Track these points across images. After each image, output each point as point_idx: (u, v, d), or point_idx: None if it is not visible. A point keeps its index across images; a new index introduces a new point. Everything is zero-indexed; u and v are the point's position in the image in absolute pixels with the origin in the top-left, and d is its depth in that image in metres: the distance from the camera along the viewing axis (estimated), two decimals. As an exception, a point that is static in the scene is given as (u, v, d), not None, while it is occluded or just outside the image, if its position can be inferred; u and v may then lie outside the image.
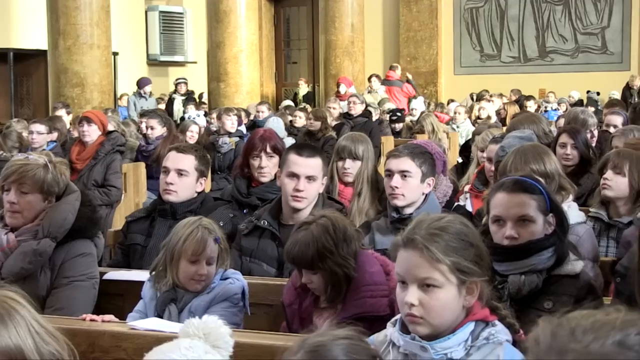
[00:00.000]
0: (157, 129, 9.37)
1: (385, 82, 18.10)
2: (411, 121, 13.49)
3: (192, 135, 10.35)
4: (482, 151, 6.30)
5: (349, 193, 5.59)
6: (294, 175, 4.43)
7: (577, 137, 6.05)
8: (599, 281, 4.14)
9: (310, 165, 4.45)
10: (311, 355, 2.11)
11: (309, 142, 9.42)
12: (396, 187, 4.40)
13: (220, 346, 2.37)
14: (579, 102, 18.26)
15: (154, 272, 3.79)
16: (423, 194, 4.47)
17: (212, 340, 2.36)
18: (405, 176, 4.41)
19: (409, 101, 17.44)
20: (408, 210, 4.41)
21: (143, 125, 10.20)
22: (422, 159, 4.47)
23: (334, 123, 12.17)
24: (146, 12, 21.82)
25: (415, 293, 2.52)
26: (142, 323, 3.35)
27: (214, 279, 3.74)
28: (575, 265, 3.27)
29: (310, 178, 4.43)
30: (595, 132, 7.13)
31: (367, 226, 4.54)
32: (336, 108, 13.73)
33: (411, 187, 4.42)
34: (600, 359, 1.54)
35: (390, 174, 4.46)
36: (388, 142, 10.71)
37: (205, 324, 2.38)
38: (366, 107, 12.91)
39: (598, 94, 19.29)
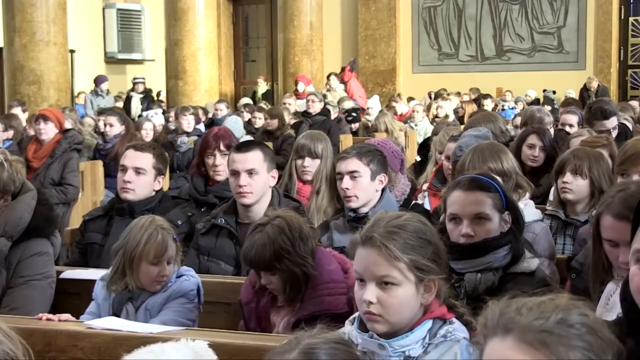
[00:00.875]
0: (116, 127, 9.33)
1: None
2: (369, 121, 13.49)
3: (147, 133, 10.32)
4: (441, 153, 6.32)
5: (307, 191, 5.59)
6: (234, 173, 4.45)
7: (545, 138, 6.12)
8: (554, 278, 4.17)
9: (247, 159, 4.45)
10: (305, 356, 2.11)
11: (267, 141, 9.39)
12: (347, 189, 4.40)
13: None
14: (536, 101, 18.37)
15: (111, 278, 3.75)
16: (377, 191, 4.47)
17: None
18: (355, 177, 4.41)
19: (345, 84, 17.51)
20: (364, 210, 4.42)
21: (101, 123, 10.13)
22: (369, 157, 4.47)
23: (292, 121, 12.16)
24: (103, 9, 21.61)
25: (374, 291, 2.53)
26: (99, 322, 3.33)
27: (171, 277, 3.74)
28: (530, 262, 3.30)
29: (250, 171, 4.43)
30: (552, 130, 7.20)
31: (326, 226, 4.55)
32: (292, 104, 13.72)
33: (362, 187, 4.41)
34: (542, 334, 1.64)
35: (340, 176, 4.47)
36: (347, 141, 10.72)
37: (197, 345, 2.34)
38: (325, 105, 12.91)
39: (554, 92, 19.42)
